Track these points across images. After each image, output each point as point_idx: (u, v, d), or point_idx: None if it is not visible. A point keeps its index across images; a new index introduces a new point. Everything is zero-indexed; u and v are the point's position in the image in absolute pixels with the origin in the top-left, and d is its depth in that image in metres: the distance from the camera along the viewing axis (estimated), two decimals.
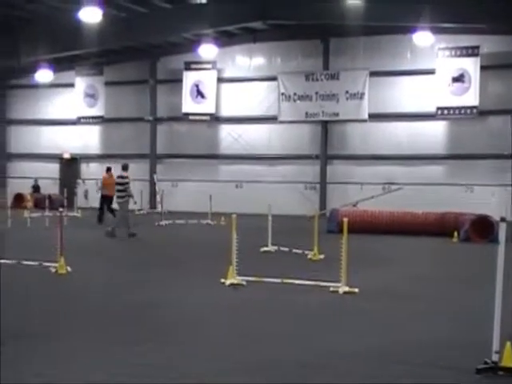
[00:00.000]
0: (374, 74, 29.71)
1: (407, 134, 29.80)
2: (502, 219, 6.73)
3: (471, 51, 28.11)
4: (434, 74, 28.76)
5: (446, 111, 28.66)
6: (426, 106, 29.01)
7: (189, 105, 32.97)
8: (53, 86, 35.49)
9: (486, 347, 6.74)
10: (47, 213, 24.71)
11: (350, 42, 30.36)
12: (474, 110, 28.11)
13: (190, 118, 33.10)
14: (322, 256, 15.14)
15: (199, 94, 32.89)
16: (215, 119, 32.97)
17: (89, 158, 35.86)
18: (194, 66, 32.88)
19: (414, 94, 29.55)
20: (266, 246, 16.54)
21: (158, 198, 28.27)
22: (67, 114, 35.69)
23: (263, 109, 31.98)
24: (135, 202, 21.42)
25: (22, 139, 37.24)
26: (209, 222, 25.27)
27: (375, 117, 29.79)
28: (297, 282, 11.54)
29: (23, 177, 36.30)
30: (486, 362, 6.62)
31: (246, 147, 32.40)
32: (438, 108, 28.65)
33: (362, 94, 29.87)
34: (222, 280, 11.67)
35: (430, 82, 28.91)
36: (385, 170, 30.03)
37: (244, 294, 11.00)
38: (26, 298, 10.52)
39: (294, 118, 31.42)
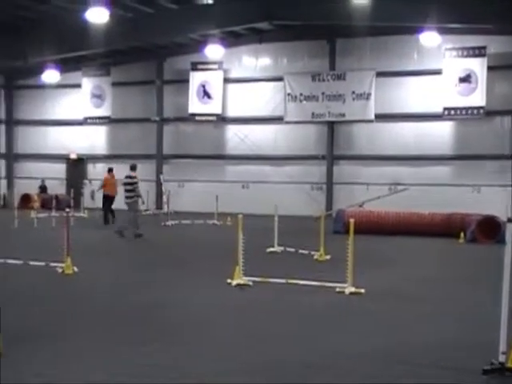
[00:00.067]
0: (380, 74, 29.66)
1: (414, 134, 29.74)
2: (510, 220, 6.71)
3: (478, 52, 28.04)
4: (440, 75, 28.70)
5: (452, 111, 28.60)
6: (433, 107, 28.95)
7: (195, 105, 33.00)
8: (59, 86, 35.58)
9: (493, 348, 6.73)
10: (54, 213, 24.76)
11: (357, 43, 30.32)
12: (481, 111, 28.04)
13: (197, 118, 33.12)
14: (328, 257, 15.13)
15: (206, 94, 32.91)
16: (221, 119, 32.98)
17: (95, 158, 35.92)
18: (200, 67, 32.89)
19: (420, 95, 29.50)
20: (273, 246, 16.53)
21: (165, 198, 28.28)
22: (74, 115, 35.74)
23: (269, 109, 31.98)
24: (143, 203, 21.47)
25: (29, 140, 37.34)
26: (215, 222, 25.28)
27: (382, 117, 29.74)
28: (303, 282, 11.54)
29: (30, 177, 36.39)
30: (492, 363, 6.60)
31: (252, 147, 32.41)
32: (445, 108, 28.59)
33: (369, 95, 29.84)
34: (229, 280, 11.68)
35: (436, 83, 28.85)
36: (391, 171, 29.99)
37: (250, 294, 11.00)
38: (33, 299, 10.54)
39: (300, 119, 31.41)
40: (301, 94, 31.16)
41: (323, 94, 30.74)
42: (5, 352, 6.98)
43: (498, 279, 6.87)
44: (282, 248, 16.43)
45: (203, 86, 32.89)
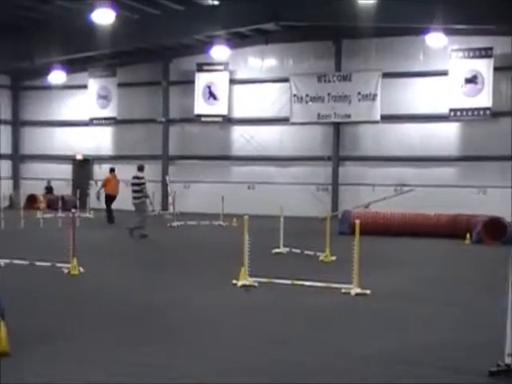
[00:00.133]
0: (386, 75, 29.61)
1: (420, 135, 29.69)
2: None
3: (484, 52, 27.98)
4: (446, 76, 28.64)
5: (458, 113, 28.53)
6: (439, 108, 28.89)
7: (201, 106, 33.00)
8: (66, 87, 35.63)
9: (499, 350, 6.71)
10: (60, 214, 24.81)
11: (363, 44, 30.28)
12: (487, 112, 27.98)
13: (203, 119, 33.12)
14: (333, 258, 15.12)
15: (211, 95, 32.92)
16: (227, 121, 32.97)
17: (101, 159, 35.94)
18: (206, 68, 32.90)
19: (426, 96, 29.44)
20: (278, 247, 16.54)
21: (170, 199, 28.32)
22: (80, 116, 35.79)
23: (275, 110, 31.97)
24: (151, 203, 21.50)
25: (35, 140, 37.42)
26: (221, 223, 25.29)
27: (387, 118, 29.70)
28: (308, 283, 11.54)
29: (36, 178, 36.44)
30: (498, 365, 6.59)
31: (258, 148, 32.40)
32: (451, 109, 28.53)
33: (375, 96, 29.80)
34: (234, 281, 11.69)
35: (442, 84, 28.80)
36: (397, 172, 29.94)
37: (256, 295, 11.01)
38: (39, 299, 10.57)
39: (306, 120, 31.38)
40: (307, 95, 31.14)
41: (329, 94, 30.71)
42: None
43: (504, 280, 6.85)
44: (287, 249, 16.42)
45: (209, 87, 32.89)
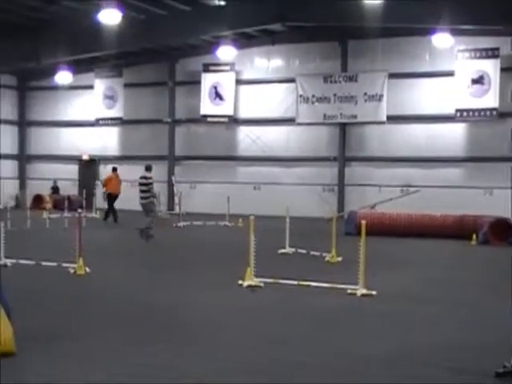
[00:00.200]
0: (392, 75, 29.58)
1: (426, 136, 29.64)
2: None
3: (491, 53, 27.92)
4: (453, 76, 28.59)
5: (465, 113, 28.47)
6: (445, 108, 28.84)
7: (207, 106, 33.02)
8: (72, 87, 35.71)
9: (506, 351, 6.69)
10: (66, 214, 24.88)
11: (369, 44, 30.25)
12: (494, 112, 27.92)
13: (209, 119, 33.13)
14: (339, 258, 15.11)
15: (217, 95, 32.93)
16: (233, 121, 32.98)
17: (107, 159, 35.95)
18: (212, 68, 32.91)
19: (432, 96, 29.39)
20: (284, 247, 16.53)
21: (176, 199, 28.34)
22: (86, 116, 35.86)
23: (281, 111, 31.96)
24: (158, 203, 21.55)
25: (42, 141, 37.51)
26: (226, 223, 25.30)
27: (394, 119, 29.66)
28: (314, 284, 11.53)
29: (42, 178, 36.53)
30: (505, 366, 6.57)
31: (264, 149, 32.40)
32: (457, 110, 28.47)
33: (381, 96, 29.77)
34: (240, 281, 11.68)
35: (449, 84, 28.74)
36: (403, 172, 29.90)
37: (261, 295, 11.01)
38: (45, 299, 10.58)
39: (312, 120, 31.37)
40: (313, 96, 31.12)
41: (335, 95, 30.69)
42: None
43: (510, 281, 6.84)
44: (293, 249, 16.42)
45: (215, 88, 32.91)
